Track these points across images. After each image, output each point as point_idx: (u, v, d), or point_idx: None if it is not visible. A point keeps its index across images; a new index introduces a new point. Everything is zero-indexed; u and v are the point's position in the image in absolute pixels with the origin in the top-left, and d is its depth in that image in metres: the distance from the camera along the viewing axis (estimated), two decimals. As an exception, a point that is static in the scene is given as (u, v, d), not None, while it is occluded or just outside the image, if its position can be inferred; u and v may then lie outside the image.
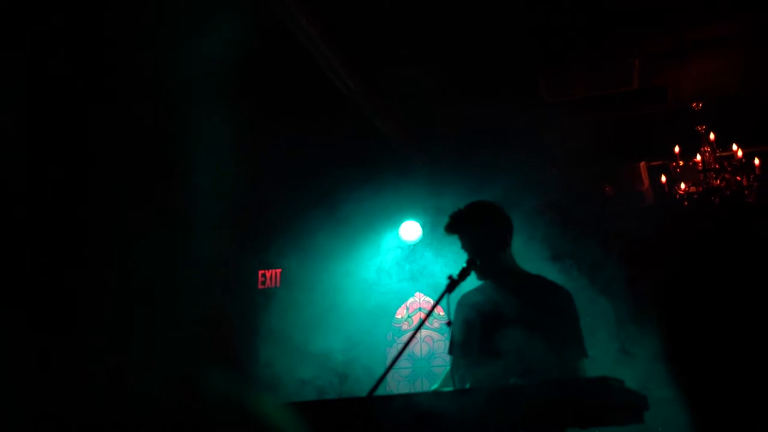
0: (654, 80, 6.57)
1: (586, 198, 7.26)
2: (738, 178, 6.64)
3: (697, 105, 6.71)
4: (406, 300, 7.60)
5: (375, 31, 5.63)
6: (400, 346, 7.51)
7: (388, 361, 7.35)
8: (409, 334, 3.70)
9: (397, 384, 7.00)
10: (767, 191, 6.64)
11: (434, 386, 3.84)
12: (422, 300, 7.44)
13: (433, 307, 3.44)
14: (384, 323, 7.63)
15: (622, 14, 5.47)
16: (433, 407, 2.57)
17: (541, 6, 5.28)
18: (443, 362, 6.79)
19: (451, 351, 3.74)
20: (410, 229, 7.24)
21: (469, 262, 3.49)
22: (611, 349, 3.70)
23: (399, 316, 7.52)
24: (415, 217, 7.35)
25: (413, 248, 7.27)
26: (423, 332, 7.01)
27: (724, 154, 6.74)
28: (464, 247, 3.66)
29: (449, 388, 3.54)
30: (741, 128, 6.74)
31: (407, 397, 2.71)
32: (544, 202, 5.50)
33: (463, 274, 3.44)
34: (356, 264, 7.18)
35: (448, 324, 3.43)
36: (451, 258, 5.16)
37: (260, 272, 7.83)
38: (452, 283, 3.37)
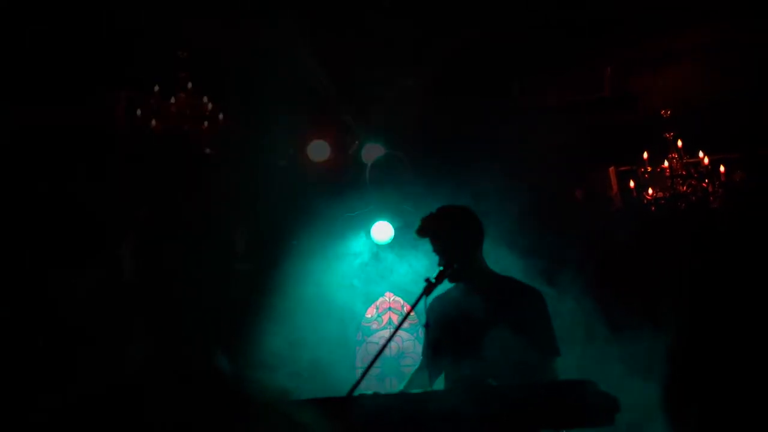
0: (624, 88, 6.66)
1: (557, 202, 7.33)
2: (704, 184, 6.78)
3: (666, 112, 6.83)
4: (376, 299, 7.60)
5: (359, 33, 5.66)
6: (369, 346, 7.53)
7: (358, 361, 7.39)
8: (387, 334, 3.74)
9: (366, 383, 6.99)
10: (732, 197, 6.78)
11: (401, 386, 3.87)
12: (392, 300, 7.44)
13: (411, 310, 3.47)
14: (353, 323, 7.63)
15: (596, 23, 5.55)
16: (411, 407, 2.61)
17: (518, 13, 5.34)
18: (412, 361, 6.81)
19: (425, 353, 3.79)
20: (382, 230, 7.24)
21: (446, 265, 3.53)
22: (584, 351, 3.77)
23: (369, 316, 7.52)
24: (386, 218, 7.35)
25: (384, 248, 7.28)
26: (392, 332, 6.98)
27: (691, 160, 6.88)
28: (436, 250, 3.70)
29: (418, 390, 3.58)
30: (708, 136, 6.87)
31: (387, 397, 2.75)
32: (517, 205, 5.57)
33: (440, 276, 3.48)
34: (327, 263, 7.18)
35: (426, 326, 3.47)
36: (417, 258, 5.20)
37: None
38: (429, 286, 3.41)
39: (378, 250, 7.45)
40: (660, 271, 5.49)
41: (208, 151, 6.38)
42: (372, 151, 6.95)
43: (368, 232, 7.42)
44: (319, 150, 7.08)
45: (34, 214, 5.73)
